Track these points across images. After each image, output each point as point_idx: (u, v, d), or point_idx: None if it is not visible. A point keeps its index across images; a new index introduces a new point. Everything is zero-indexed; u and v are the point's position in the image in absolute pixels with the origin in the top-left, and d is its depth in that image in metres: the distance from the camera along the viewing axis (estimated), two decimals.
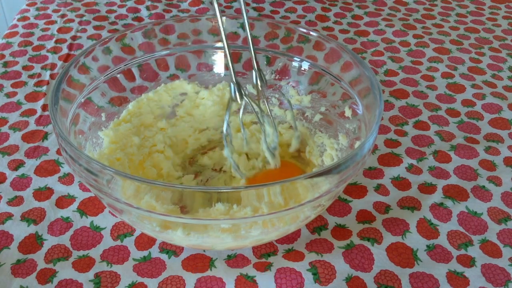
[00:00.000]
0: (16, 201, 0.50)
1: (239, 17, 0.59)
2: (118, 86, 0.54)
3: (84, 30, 0.80)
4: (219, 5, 0.88)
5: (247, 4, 0.89)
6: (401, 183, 0.54)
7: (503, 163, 0.56)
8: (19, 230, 0.47)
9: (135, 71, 0.56)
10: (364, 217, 0.50)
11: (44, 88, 0.67)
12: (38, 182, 0.53)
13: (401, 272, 0.44)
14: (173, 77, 0.59)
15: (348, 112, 0.52)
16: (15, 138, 0.58)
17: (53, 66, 0.71)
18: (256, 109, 0.49)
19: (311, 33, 0.53)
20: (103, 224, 0.48)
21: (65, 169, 0.54)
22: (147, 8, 0.88)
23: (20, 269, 0.44)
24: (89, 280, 0.43)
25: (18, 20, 0.83)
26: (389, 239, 0.47)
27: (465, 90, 0.69)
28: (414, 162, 0.56)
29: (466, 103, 0.66)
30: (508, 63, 0.75)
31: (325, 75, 0.54)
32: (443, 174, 0.55)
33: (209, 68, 0.60)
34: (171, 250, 0.46)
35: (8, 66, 0.71)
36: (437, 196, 0.52)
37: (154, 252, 0.46)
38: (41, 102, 0.64)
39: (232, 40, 0.59)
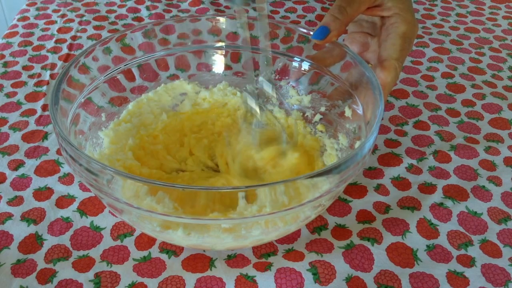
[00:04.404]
0: (16, 201, 0.50)
1: None
2: (118, 86, 0.54)
3: (84, 30, 0.80)
4: (219, 5, 0.88)
5: (247, 4, 0.89)
6: (401, 183, 0.54)
7: (503, 163, 0.56)
8: (19, 230, 0.47)
9: (135, 71, 0.56)
10: (364, 217, 0.50)
11: (44, 88, 0.67)
12: (38, 182, 0.53)
13: (401, 272, 0.44)
14: (173, 77, 0.59)
15: (348, 112, 0.52)
16: (15, 138, 0.58)
17: (53, 66, 0.71)
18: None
19: (311, 33, 0.53)
20: (103, 224, 0.48)
21: (65, 169, 0.54)
22: (147, 8, 0.88)
23: (20, 269, 0.44)
24: (89, 280, 0.43)
25: (18, 20, 0.83)
26: (389, 239, 0.47)
27: (465, 90, 0.69)
28: (414, 162, 0.56)
29: (466, 103, 0.66)
30: (508, 63, 0.75)
31: (325, 75, 0.54)
32: (443, 174, 0.55)
33: (209, 68, 0.60)
34: (171, 250, 0.46)
35: (8, 66, 0.71)
36: (437, 196, 0.52)
37: (154, 252, 0.46)
38: (41, 102, 0.64)
39: (232, 40, 0.59)
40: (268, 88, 0.54)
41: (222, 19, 0.58)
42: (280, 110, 0.58)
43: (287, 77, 0.58)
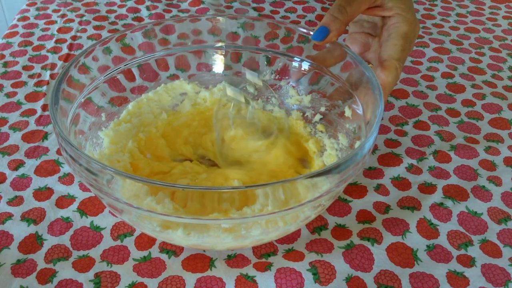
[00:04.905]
0: (16, 201, 0.50)
1: (239, 17, 0.59)
2: (118, 86, 0.54)
3: (84, 30, 0.80)
4: (219, 5, 0.89)
5: (247, 4, 0.89)
6: (401, 183, 0.54)
7: (503, 163, 0.56)
8: (19, 230, 0.47)
9: (135, 71, 0.56)
10: (364, 217, 0.50)
11: (44, 88, 0.67)
12: (38, 182, 0.53)
13: (401, 272, 0.44)
14: (173, 77, 0.59)
15: (348, 112, 0.52)
16: (15, 138, 0.58)
17: (53, 66, 0.71)
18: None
19: (311, 33, 0.53)
20: (103, 224, 0.48)
21: (65, 169, 0.54)
22: (147, 8, 0.88)
23: (20, 269, 0.44)
24: (89, 280, 0.43)
25: (18, 20, 0.83)
26: (389, 239, 0.47)
27: (465, 90, 0.69)
28: (414, 162, 0.56)
29: (466, 103, 0.66)
30: (508, 63, 0.75)
31: (325, 75, 0.54)
32: (443, 174, 0.55)
33: (209, 68, 0.60)
34: (171, 250, 0.46)
35: (8, 66, 0.71)
36: (437, 196, 0.52)
37: (154, 252, 0.46)
38: (41, 102, 0.64)
39: (232, 40, 0.59)
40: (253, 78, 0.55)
41: (222, 19, 0.58)
42: (280, 110, 0.58)
43: (287, 77, 0.58)
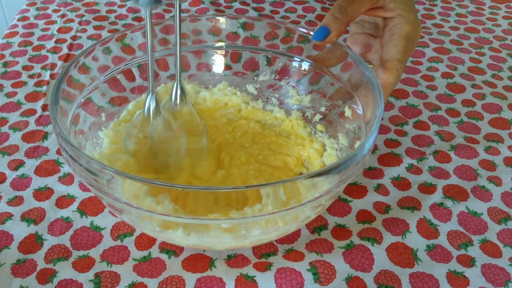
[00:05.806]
0: (16, 201, 0.50)
1: (239, 17, 0.59)
2: (118, 86, 0.54)
3: (84, 30, 0.80)
4: (219, 5, 0.89)
5: (247, 4, 0.89)
6: (401, 183, 0.54)
7: (503, 163, 0.56)
8: (19, 230, 0.47)
9: (135, 71, 0.56)
10: (364, 217, 0.50)
11: (44, 88, 0.67)
12: (38, 182, 0.53)
13: (401, 272, 0.44)
14: (173, 77, 0.58)
15: (348, 112, 0.52)
16: (15, 138, 0.58)
17: (53, 66, 0.71)
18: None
19: (311, 33, 0.53)
20: (103, 224, 0.48)
21: (65, 169, 0.54)
22: None
23: (20, 269, 0.44)
24: (89, 280, 0.43)
25: (18, 20, 0.83)
26: (389, 239, 0.47)
27: (465, 90, 0.69)
28: (414, 162, 0.56)
29: (466, 103, 0.66)
30: (508, 63, 0.75)
31: (325, 75, 0.54)
32: (443, 174, 0.55)
33: (209, 68, 0.60)
34: (171, 250, 0.46)
35: (8, 66, 0.71)
36: (437, 196, 0.52)
37: (154, 252, 0.46)
38: (41, 102, 0.64)
39: (232, 40, 0.59)
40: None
41: (222, 19, 0.58)
42: (280, 110, 0.58)
43: (287, 77, 0.58)
